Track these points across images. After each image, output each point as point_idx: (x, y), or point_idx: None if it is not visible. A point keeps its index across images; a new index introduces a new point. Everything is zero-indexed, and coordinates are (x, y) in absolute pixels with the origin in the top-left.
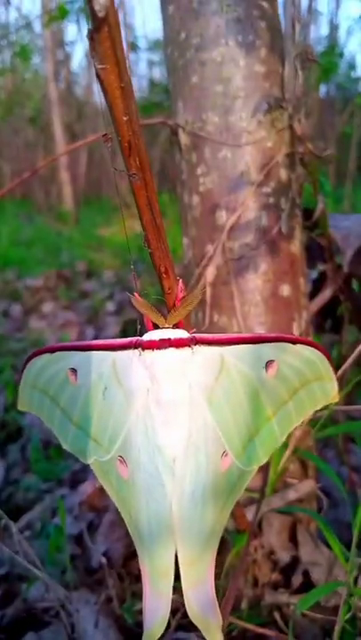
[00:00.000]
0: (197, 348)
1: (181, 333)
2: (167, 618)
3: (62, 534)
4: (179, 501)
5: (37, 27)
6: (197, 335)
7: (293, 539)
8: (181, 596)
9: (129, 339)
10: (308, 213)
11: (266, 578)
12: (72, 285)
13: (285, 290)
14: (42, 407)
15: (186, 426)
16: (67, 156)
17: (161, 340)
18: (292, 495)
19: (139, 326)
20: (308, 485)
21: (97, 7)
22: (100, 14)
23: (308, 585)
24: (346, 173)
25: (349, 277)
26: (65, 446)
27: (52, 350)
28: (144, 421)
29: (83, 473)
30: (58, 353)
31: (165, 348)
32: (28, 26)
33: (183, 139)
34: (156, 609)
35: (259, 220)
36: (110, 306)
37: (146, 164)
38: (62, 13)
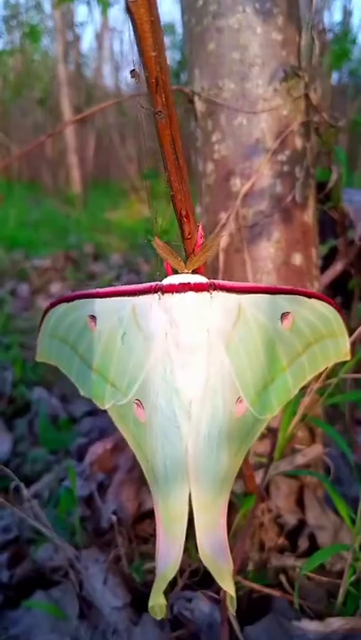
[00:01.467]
0: (216, 293)
1: (200, 278)
2: (179, 562)
3: (72, 497)
4: (194, 444)
5: (47, 7)
6: (216, 281)
7: (300, 503)
8: (188, 556)
9: (149, 284)
10: (321, 185)
11: (272, 542)
12: (80, 267)
13: (297, 259)
14: (61, 356)
15: (204, 369)
16: (75, 140)
17: (181, 284)
18: (299, 460)
19: (157, 273)
20: (315, 450)
21: None
22: None
23: (314, 549)
24: (357, 162)
25: (360, 252)
26: (83, 393)
27: (71, 299)
28: (162, 365)
29: (90, 446)
30: (78, 301)
31: (185, 292)
32: (38, 6)
33: (199, 106)
34: (169, 553)
35: (273, 188)
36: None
37: (171, 102)
38: None
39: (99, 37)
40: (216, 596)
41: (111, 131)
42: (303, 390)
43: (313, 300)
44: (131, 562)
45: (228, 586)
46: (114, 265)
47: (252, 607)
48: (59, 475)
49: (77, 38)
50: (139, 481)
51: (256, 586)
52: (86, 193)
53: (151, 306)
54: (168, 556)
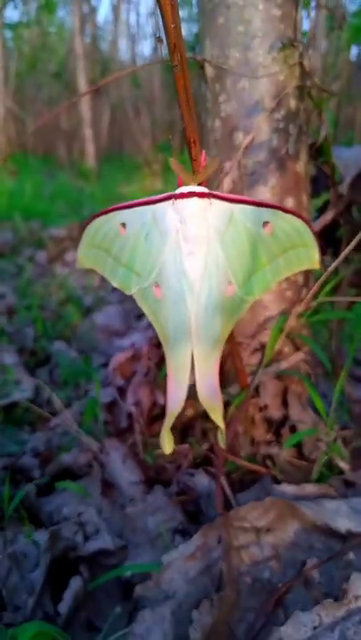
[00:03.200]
0: (214, 201)
1: (203, 189)
2: (183, 401)
3: (97, 404)
4: (196, 312)
5: None
6: (214, 192)
7: (285, 403)
8: (192, 446)
9: (166, 194)
10: (314, 145)
11: (262, 437)
12: None
13: (290, 202)
14: (97, 260)
15: (203, 258)
16: (90, 113)
17: (188, 192)
18: (284, 365)
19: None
20: (297, 357)
21: None
22: None
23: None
24: None
25: (350, 204)
26: (114, 284)
27: (107, 212)
28: (174, 253)
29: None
30: (111, 213)
31: (191, 197)
32: None
33: (209, 71)
34: (176, 395)
35: (270, 142)
36: None
37: (184, 59)
38: None
39: (115, 10)
40: (213, 469)
41: (126, 104)
42: (289, 312)
43: (289, 215)
44: (145, 449)
45: (219, 421)
46: None
47: (244, 485)
48: (80, 408)
49: (94, 10)
50: (153, 383)
51: (247, 464)
52: (100, 166)
53: (167, 210)
54: (175, 398)
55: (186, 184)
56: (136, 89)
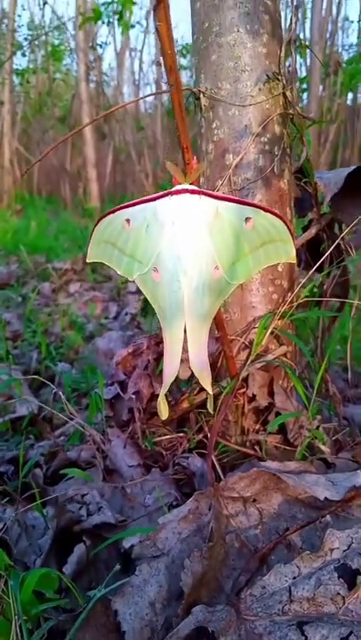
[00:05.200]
0: (203, 197)
1: (194, 187)
2: (177, 371)
3: (100, 400)
4: (188, 292)
5: (70, 27)
6: (203, 190)
7: (271, 393)
8: (187, 435)
9: (165, 191)
10: (298, 167)
11: (251, 427)
12: (97, 270)
13: None
14: (104, 252)
15: (195, 244)
16: (94, 155)
17: (182, 189)
18: (269, 357)
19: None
20: (281, 350)
21: None
22: None
23: (281, 429)
24: None
25: (332, 221)
26: (119, 272)
27: (114, 211)
28: (170, 241)
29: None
30: (117, 212)
31: (184, 194)
32: (61, 27)
33: (203, 101)
34: (171, 365)
35: (257, 162)
36: (132, 286)
37: (178, 80)
38: (97, 15)
39: (119, 58)
40: (206, 452)
41: (129, 147)
42: (275, 312)
43: (268, 214)
44: (143, 437)
45: (208, 387)
46: None
47: (234, 469)
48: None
49: (99, 58)
50: (152, 375)
51: (237, 447)
52: (104, 206)
53: (164, 205)
54: (171, 366)
55: (180, 183)
56: (139, 133)
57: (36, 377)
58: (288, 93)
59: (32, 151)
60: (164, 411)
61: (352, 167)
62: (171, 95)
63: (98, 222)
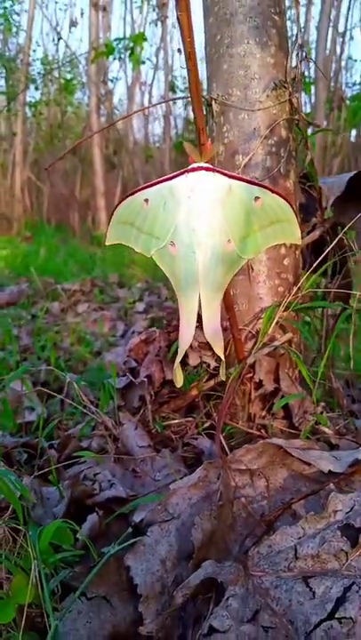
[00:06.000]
0: (217, 175)
1: (208, 165)
2: (191, 338)
3: (112, 389)
4: (202, 263)
5: (83, 62)
6: (217, 168)
7: (277, 380)
8: (197, 425)
9: (181, 170)
10: (304, 175)
11: (258, 412)
12: (105, 292)
13: None
14: (123, 233)
15: (209, 218)
16: (103, 185)
17: (198, 167)
18: (276, 344)
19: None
20: (286, 337)
21: None
22: None
23: (286, 414)
24: None
25: (335, 224)
26: (137, 249)
27: (133, 193)
28: (186, 215)
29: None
30: (137, 193)
31: (200, 171)
32: (74, 62)
33: (215, 107)
34: (185, 334)
35: (264, 162)
36: (139, 306)
37: (195, 65)
38: (109, 50)
39: (130, 91)
40: (213, 433)
41: (138, 177)
42: (280, 303)
43: (275, 195)
44: (154, 420)
45: (220, 353)
46: (137, 291)
47: None
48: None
49: (109, 92)
50: (163, 361)
51: (244, 428)
52: None
53: (180, 182)
54: (186, 334)
55: (195, 162)
56: (148, 163)
57: (43, 389)
58: (294, 100)
59: (43, 180)
60: (179, 378)
61: (353, 172)
62: (188, 79)
63: (117, 206)
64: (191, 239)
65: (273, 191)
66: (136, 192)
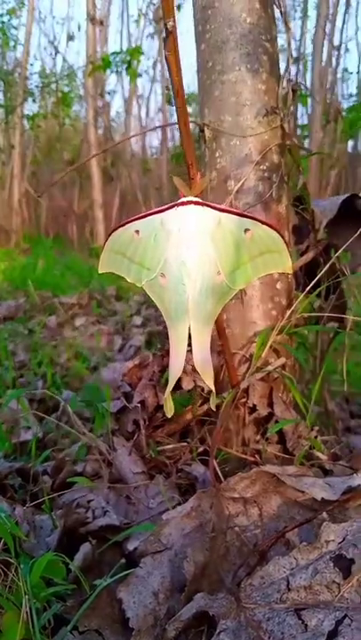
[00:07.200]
0: (206, 208)
1: (198, 199)
2: (181, 370)
3: (106, 413)
4: (192, 295)
5: (80, 75)
6: (207, 202)
7: (271, 404)
8: (191, 450)
9: (172, 203)
10: (297, 198)
11: (251, 437)
12: (102, 305)
13: None
14: (115, 262)
15: (198, 251)
16: (101, 197)
17: (187, 201)
18: (269, 368)
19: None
20: (280, 361)
21: (169, 25)
22: (170, 28)
23: (280, 439)
24: None
25: (328, 246)
26: (129, 279)
27: (125, 224)
28: (176, 248)
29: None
30: (127, 224)
31: (190, 205)
32: (71, 75)
33: (207, 133)
34: (176, 365)
35: (257, 188)
36: (137, 320)
37: (183, 102)
38: (106, 64)
39: (127, 104)
40: (207, 459)
41: (135, 189)
42: (273, 327)
43: (265, 226)
44: (148, 446)
45: (210, 385)
46: (134, 304)
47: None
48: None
49: (107, 105)
50: (157, 385)
51: (237, 454)
52: None
53: (171, 215)
54: (176, 365)
55: (185, 196)
56: (145, 175)
57: (38, 413)
58: (285, 125)
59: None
60: (169, 408)
61: (345, 195)
62: (177, 115)
63: (109, 235)
64: (181, 271)
65: (263, 223)
66: (127, 223)
